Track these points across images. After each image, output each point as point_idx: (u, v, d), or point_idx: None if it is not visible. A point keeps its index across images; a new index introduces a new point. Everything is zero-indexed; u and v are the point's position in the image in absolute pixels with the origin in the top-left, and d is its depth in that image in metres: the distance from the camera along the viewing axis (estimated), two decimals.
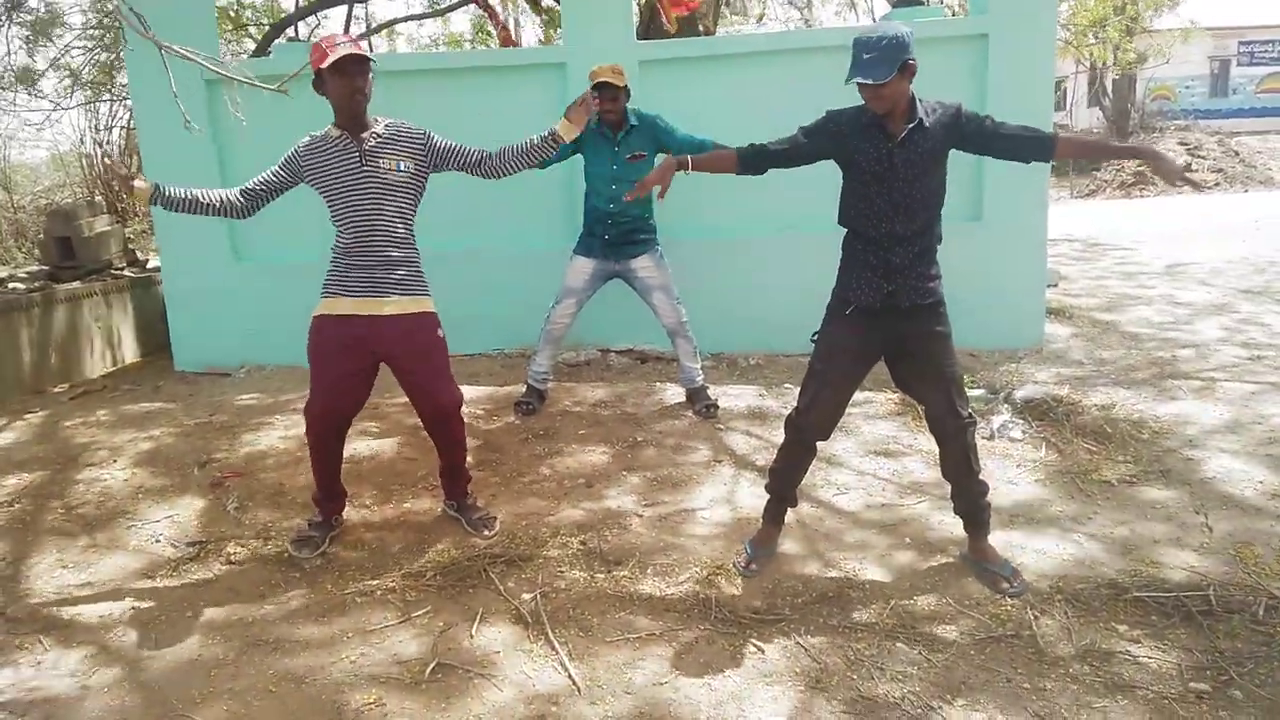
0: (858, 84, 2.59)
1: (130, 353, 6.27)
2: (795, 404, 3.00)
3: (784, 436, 3.06)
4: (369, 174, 3.05)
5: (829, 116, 2.82)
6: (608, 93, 4.16)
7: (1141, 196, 17.20)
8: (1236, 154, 18.83)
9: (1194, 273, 8.09)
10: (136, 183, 3.01)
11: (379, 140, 3.08)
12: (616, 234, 4.38)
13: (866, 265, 2.81)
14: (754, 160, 2.86)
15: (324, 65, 2.92)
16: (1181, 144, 18.85)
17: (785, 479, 3.09)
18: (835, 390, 2.92)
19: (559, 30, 7.64)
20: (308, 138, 3.13)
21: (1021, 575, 2.88)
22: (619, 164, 4.31)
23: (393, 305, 3.11)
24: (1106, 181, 18.39)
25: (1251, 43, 23.81)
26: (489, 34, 13.51)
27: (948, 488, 3.02)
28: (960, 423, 2.84)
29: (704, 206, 5.32)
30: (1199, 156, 18.30)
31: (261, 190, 3.14)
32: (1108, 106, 22.14)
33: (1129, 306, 6.80)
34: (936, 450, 2.99)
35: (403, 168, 3.10)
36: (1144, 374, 4.97)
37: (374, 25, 10.57)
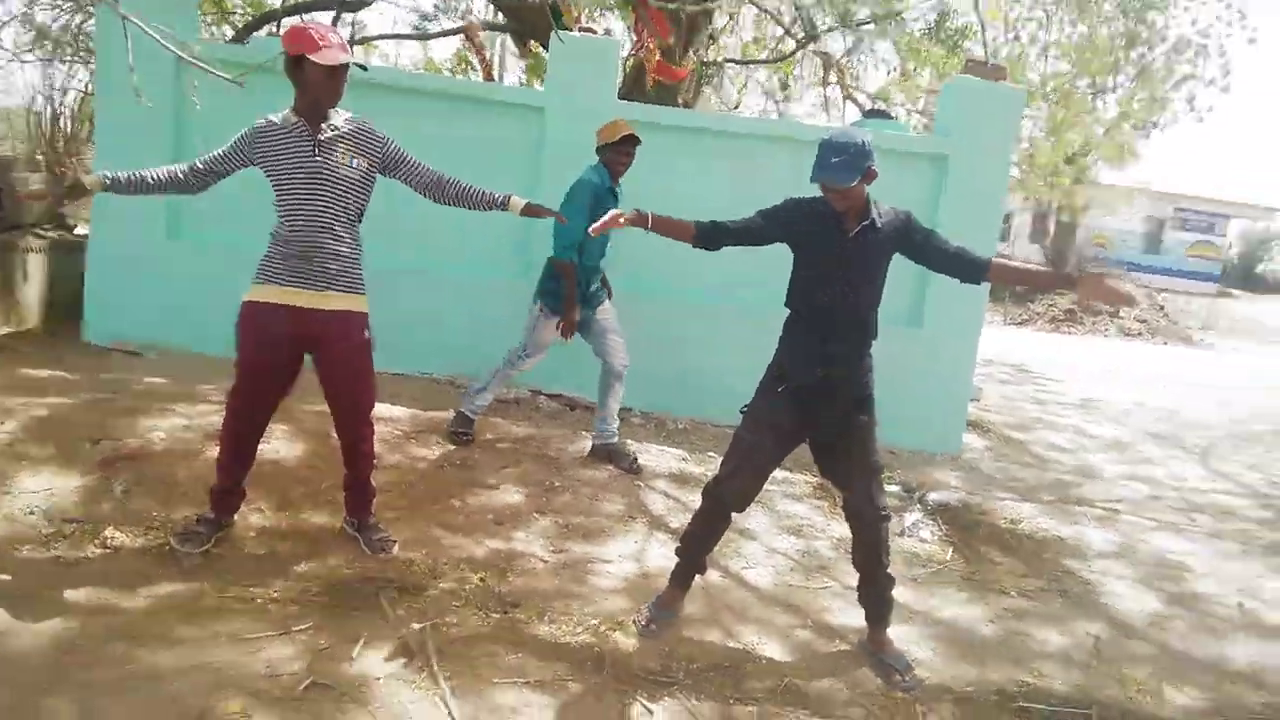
0: (821, 185, 2.70)
1: (35, 316, 5.95)
2: (716, 472, 3.00)
3: (701, 503, 3.04)
4: (321, 165, 3.00)
5: (789, 204, 2.91)
6: (630, 145, 4.26)
7: (1069, 333, 18.04)
8: (1162, 308, 20.01)
9: (1107, 410, 8.46)
10: (86, 178, 3.00)
11: (336, 133, 3.04)
12: (591, 288, 4.41)
13: (806, 347, 2.87)
14: (710, 235, 2.90)
15: (318, 59, 2.86)
16: None
17: (697, 545, 3.07)
18: (757, 463, 2.93)
19: (541, 76, 7.74)
20: (262, 120, 3.05)
21: (915, 671, 2.89)
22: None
23: (327, 299, 3.04)
24: (1039, 314, 19.26)
25: (1185, 210, 25.46)
26: (470, 65, 13.60)
27: (855, 576, 3.03)
28: (877, 514, 2.88)
29: (651, 265, 5.37)
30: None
31: (210, 169, 3.07)
32: (1048, 246, 23.35)
33: (1042, 430, 7.05)
34: (849, 537, 3.01)
35: (356, 164, 3.06)
36: (1050, 495, 5.13)
37: (358, 36, 10.52)
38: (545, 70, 5.95)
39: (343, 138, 3.05)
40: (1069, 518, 4.71)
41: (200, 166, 3.06)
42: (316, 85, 2.94)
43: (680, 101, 8.87)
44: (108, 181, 2.95)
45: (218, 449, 3.19)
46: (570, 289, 4.25)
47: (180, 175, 3.05)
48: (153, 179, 3.01)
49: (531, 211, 3.30)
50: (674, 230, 2.91)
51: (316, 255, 3.02)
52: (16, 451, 3.57)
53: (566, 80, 5.50)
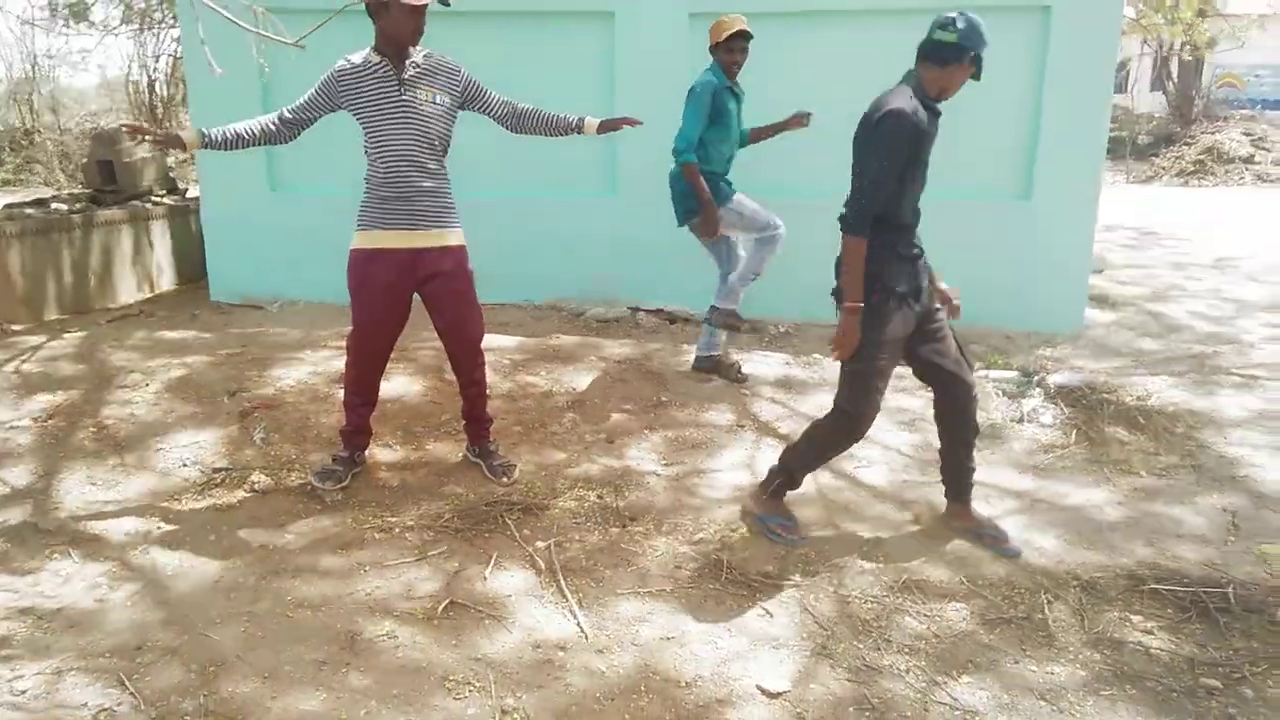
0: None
1: (167, 280, 6.36)
2: (857, 406, 2.85)
3: (834, 439, 2.97)
4: (407, 104, 3.04)
5: (906, 122, 2.66)
6: (739, 42, 4.12)
7: (1200, 185, 16.68)
8: None
9: (1245, 268, 7.86)
10: (184, 133, 3.13)
11: (418, 70, 3.06)
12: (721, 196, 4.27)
13: (908, 257, 2.81)
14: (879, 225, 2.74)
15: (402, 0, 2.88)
16: (1246, 134, 18.20)
17: (820, 462, 3.11)
18: (885, 387, 2.89)
19: None
20: (344, 62, 3.09)
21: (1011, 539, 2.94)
22: (740, 121, 4.31)
23: (429, 238, 3.13)
24: (1164, 168, 17.83)
25: None
26: None
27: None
28: (973, 381, 2.92)
29: (739, 167, 5.24)
30: (1263, 148, 17.66)
31: (298, 118, 3.15)
32: (1171, 91, 21.38)
33: (1175, 298, 6.63)
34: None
35: (439, 100, 3.09)
36: (1184, 366, 4.85)
37: None
38: None
39: (425, 74, 3.07)
40: (1204, 389, 4.46)
41: (289, 116, 3.14)
42: (400, 25, 2.95)
43: None
44: (204, 137, 3.06)
45: (343, 392, 3.37)
46: (700, 186, 4.08)
47: (271, 126, 3.14)
48: (246, 133, 3.11)
49: (607, 127, 3.29)
50: (860, 260, 2.74)
51: (412, 194, 3.09)
52: (164, 410, 3.88)
53: None
